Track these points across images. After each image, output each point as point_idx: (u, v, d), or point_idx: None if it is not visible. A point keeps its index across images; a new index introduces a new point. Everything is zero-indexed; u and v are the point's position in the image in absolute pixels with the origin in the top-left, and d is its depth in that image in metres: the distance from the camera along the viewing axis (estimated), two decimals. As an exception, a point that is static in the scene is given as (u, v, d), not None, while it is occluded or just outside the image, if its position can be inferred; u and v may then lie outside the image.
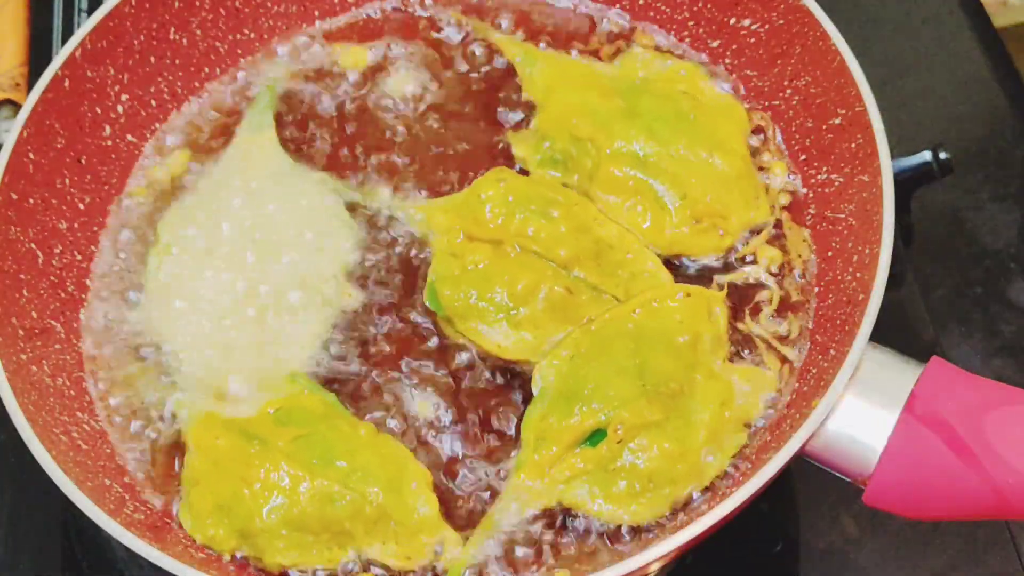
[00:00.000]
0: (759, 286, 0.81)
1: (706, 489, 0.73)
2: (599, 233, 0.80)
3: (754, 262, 0.82)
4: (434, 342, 0.80)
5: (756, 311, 0.80)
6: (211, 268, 0.83)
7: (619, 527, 0.72)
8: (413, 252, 0.83)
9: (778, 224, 0.83)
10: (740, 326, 0.79)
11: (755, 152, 0.85)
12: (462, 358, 0.79)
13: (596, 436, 0.73)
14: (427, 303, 0.80)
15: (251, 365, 0.79)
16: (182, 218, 0.85)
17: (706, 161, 0.81)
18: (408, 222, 0.84)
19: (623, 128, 0.82)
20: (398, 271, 0.83)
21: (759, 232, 0.82)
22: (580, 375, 0.74)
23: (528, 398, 0.76)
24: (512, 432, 0.76)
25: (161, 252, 0.84)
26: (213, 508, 0.72)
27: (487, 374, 0.78)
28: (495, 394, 0.78)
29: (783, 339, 0.79)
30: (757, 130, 0.87)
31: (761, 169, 0.85)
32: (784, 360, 0.78)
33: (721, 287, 0.80)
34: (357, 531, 0.72)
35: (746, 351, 0.78)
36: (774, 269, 0.81)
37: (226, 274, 0.82)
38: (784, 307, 0.80)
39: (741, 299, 0.80)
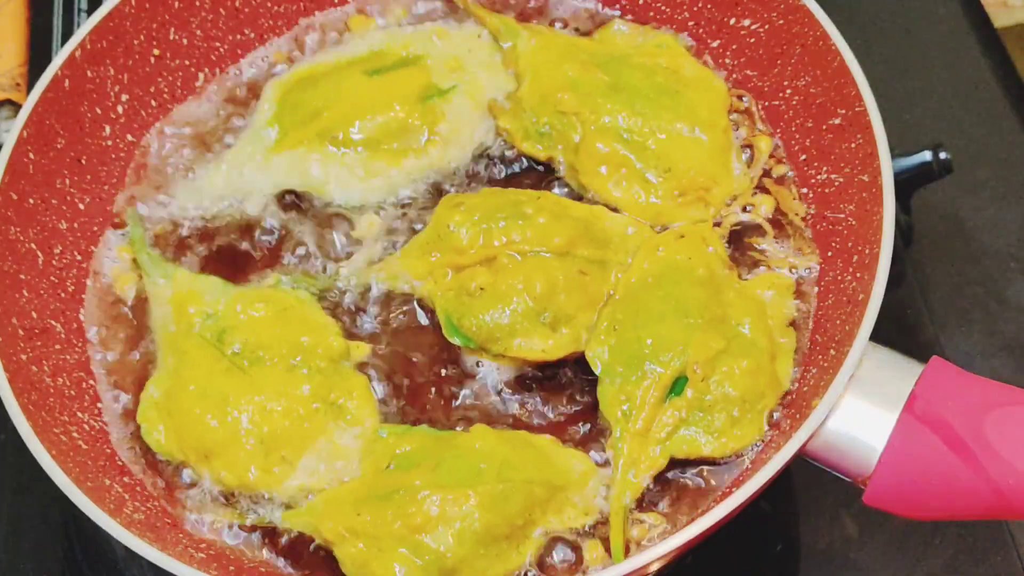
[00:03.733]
0: (753, 226, 0.83)
1: (787, 393, 0.76)
2: (574, 213, 0.81)
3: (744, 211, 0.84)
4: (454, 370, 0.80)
5: (752, 244, 0.82)
6: None
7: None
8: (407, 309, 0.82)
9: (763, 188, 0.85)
10: (740, 255, 0.82)
11: (737, 125, 0.87)
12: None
13: (677, 385, 0.74)
14: (453, 340, 0.78)
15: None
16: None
17: (689, 136, 0.82)
18: (387, 285, 0.82)
19: (607, 103, 0.83)
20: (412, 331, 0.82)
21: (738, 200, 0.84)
22: (631, 339, 0.75)
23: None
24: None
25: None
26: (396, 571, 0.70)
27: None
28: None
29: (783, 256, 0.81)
30: (734, 110, 0.88)
31: (746, 146, 0.86)
32: (792, 265, 0.81)
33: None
34: (536, 514, 0.72)
35: (756, 270, 0.81)
36: (765, 212, 0.83)
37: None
38: (781, 235, 0.83)
39: (738, 238, 0.83)
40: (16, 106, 1.10)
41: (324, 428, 0.76)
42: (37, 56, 1.12)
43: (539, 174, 0.86)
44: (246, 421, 0.74)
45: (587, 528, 0.73)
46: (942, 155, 0.94)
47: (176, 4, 0.90)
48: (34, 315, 0.80)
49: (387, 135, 0.86)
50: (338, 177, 0.85)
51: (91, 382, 0.81)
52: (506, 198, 0.81)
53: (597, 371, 0.76)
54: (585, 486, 0.74)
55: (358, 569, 0.71)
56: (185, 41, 0.91)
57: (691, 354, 0.74)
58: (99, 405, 0.80)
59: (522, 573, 0.72)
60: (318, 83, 0.88)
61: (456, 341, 0.78)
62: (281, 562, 0.74)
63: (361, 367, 0.79)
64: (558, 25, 0.93)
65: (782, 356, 0.77)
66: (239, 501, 0.75)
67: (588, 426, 0.77)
